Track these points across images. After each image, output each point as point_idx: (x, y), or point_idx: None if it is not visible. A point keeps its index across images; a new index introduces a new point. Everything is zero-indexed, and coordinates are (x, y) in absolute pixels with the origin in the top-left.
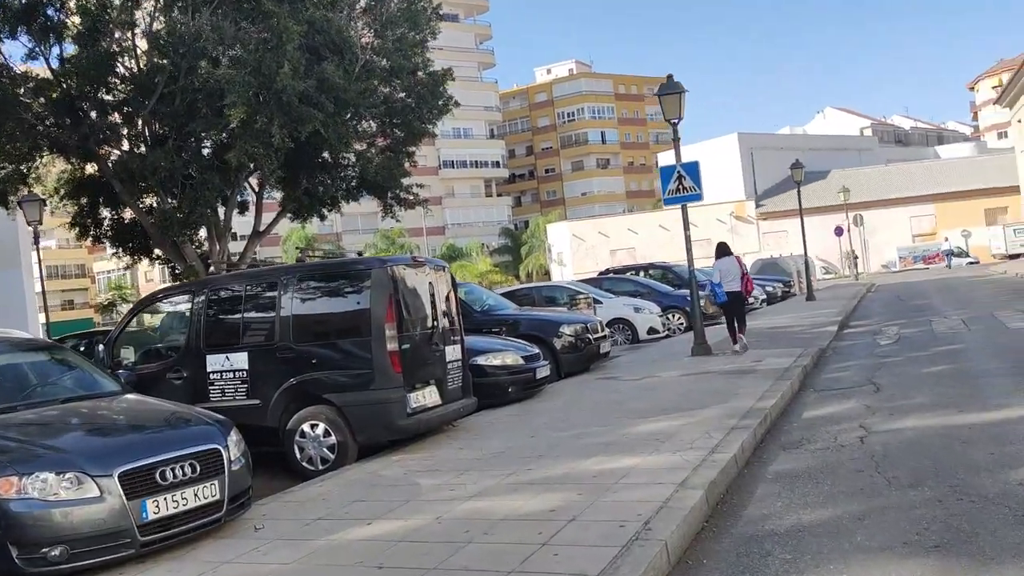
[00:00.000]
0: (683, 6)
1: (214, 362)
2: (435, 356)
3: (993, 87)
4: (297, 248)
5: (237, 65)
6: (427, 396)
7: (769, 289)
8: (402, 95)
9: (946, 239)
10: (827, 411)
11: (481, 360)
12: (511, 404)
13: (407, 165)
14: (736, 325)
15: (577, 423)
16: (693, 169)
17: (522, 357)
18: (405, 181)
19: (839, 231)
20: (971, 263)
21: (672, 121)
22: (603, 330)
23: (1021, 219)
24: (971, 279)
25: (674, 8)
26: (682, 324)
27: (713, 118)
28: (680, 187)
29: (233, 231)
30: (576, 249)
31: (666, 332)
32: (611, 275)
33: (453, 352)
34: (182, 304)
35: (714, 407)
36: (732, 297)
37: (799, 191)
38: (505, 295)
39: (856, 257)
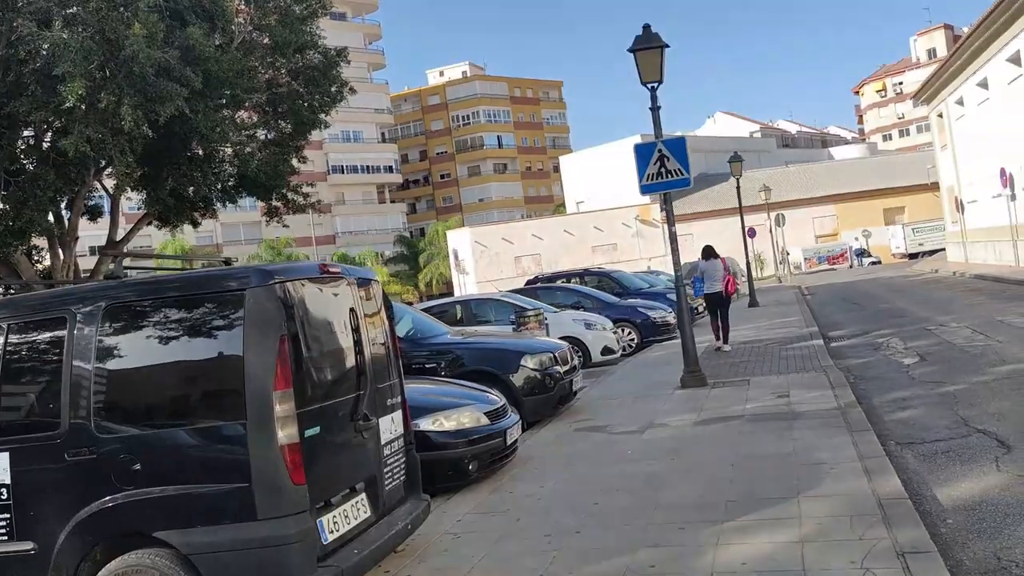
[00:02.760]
0: (575, 12)
1: None
2: (364, 439)
3: (877, 91)
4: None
5: (73, 26)
6: (352, 514)
7: None
8: (288, 79)
9: (856, 239)
10: (970, 489)
11: (426, 424)
12: (470, 485)
13: (295, 162)
14: (720, 325)
15: (608, 540)
16: (679, 148)
17: (486, 413)
18: (293, 180)
19: (752, 232)
20: (873, 263)
21: (651, 85)
22: (572, 359)
23: (927, 218)
24: (905, 279)
25: (566, 13)
26: (632, 340)
27: (606, 124)
28: (663, 171)
29: (86, 243)
30: (479, 256)
31: (620, 352)
32: (543, 284)
33: (392, 425)
34: None
35: (811, 494)
36: (711, 298)
37: (739, 186)
38: (424, 310)
39: (788, 254)
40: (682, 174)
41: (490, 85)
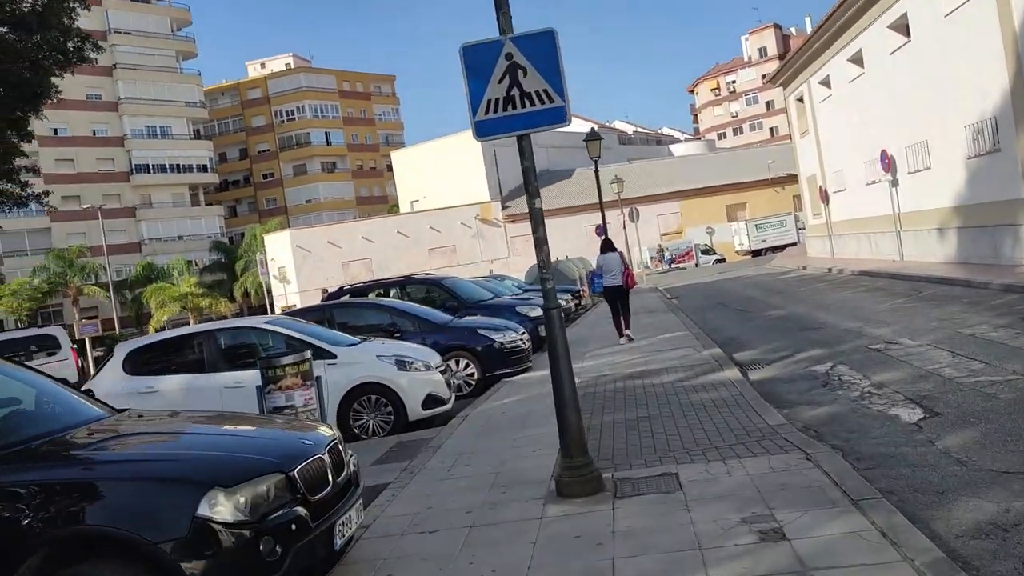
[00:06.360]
0: (407, 4)
1: None
2: None
3: (711, 89)
4: None
5: None
6: None
7: (561, 302)
8: None
9: (690, 240)
10: None
11: None
12: None
13: (16, 140)
14: (621, 320)
15: None
16: (545, 50)
17: None
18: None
19: (600, 230)
20: (718, 260)
21: None
22: (345, 467)
23: (768, 214)
24: (774, 278)
25: (393, 5)
26: (472, 376)
27: (443, 122)
28: (516, 96)
29: None
30: (302, 263)
31: (453, 397)
32: (345, 299)
33: None
34: None
35: None
36: (611, 291)
37: (597, 169)
38: (140, 352)
39: (663, 250)
40: (551, 99)
41: (316, 78)
